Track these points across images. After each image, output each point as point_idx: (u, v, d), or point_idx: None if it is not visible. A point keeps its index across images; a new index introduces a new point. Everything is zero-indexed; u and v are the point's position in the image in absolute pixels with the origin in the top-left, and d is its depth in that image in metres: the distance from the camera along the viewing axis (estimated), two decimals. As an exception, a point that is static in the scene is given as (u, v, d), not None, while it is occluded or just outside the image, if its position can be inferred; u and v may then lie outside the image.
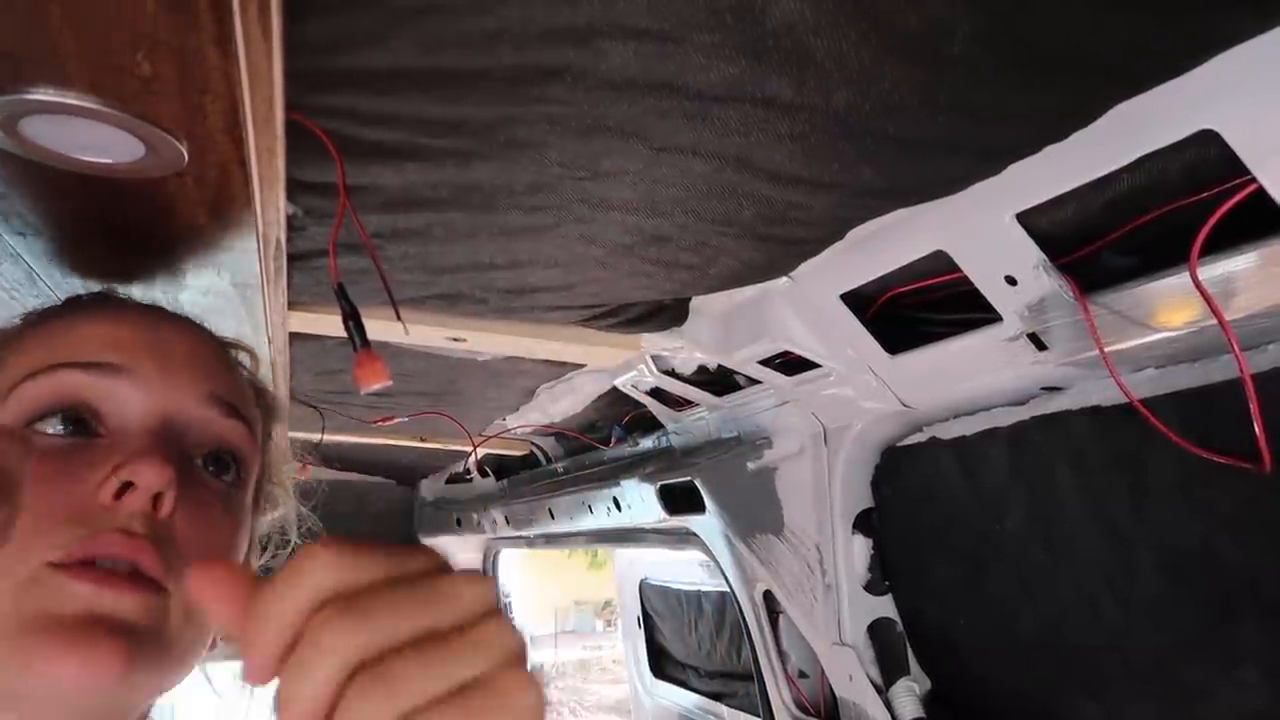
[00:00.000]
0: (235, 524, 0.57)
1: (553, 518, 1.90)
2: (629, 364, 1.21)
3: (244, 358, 0.69)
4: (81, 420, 0.51)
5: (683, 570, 2.21)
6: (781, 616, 1.34)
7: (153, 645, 0.48)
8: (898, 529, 1.11)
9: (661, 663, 2.33)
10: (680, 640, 2.25)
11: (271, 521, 0.71)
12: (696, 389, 1.26)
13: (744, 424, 1.28)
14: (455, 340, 1.04)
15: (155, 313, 0.60)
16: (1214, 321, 0.63)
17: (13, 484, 0.42)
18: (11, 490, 0.42)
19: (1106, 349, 0.71)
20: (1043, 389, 0.87)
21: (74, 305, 0.60)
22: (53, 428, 0.50)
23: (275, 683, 0.29)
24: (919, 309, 0.91)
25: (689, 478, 1.36)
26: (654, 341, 1.09)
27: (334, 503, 2.47)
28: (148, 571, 0.47)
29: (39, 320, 0.58)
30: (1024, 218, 0.70)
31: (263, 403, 0.66)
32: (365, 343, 0.67)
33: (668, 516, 1.47)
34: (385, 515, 2.68)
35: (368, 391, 0.65)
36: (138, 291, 0.66)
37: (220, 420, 0.56)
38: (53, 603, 0.45)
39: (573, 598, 19.01)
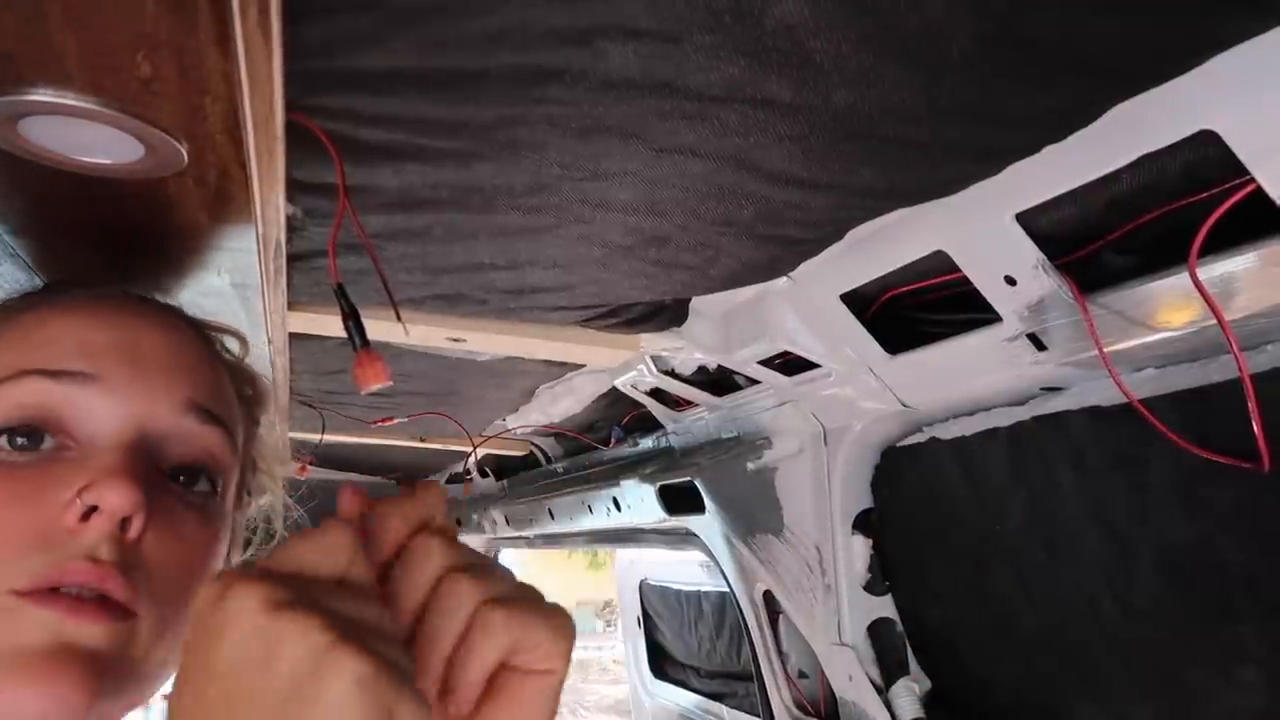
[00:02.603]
0: (210, 535, 0.55)
1: (553, 518, 1.90)
2: (629, 364, 1.21)
3: (232, 343, 0.67)
4: (47, 434, 0.49)
5: (683, 570, 2.21)
6: (781, 616, 1.34)
7: (120, 671, 0.47)
8: (898, 529, 1.11)
9: (661, 663, 2.33)
10: (680, 640, 2.25)
11: (259, 508, 0.69)
12: (696, 389, 1.26)
13: (744, 424, 1.28)
14: (455, 340, 1.04)
15: (133, 307, 0.57)
16: (1214, 321, 0.63)
17: None
18: None
19: (1106, 349, 0.71)
20: (1043, 389, 0.87)
21: (50, 294, 0.58)
22: (17, 441, 0.48)
23: None
24: (918, 309, 0.91)
25: (689, 478, 1.36)
26: (654, 342, 1.09)
27: (333, 503, 2.46)
28: (115, 598, 0.46)
29: (17, 309, 0.55)
30: (1024, 218, 0.70)
31: (249, 391, 0.64)
32: (365, 343, 0.66)
33: (667, 517, 1.47)
34: None
35: (368, 391, 0.65)
36: (137, 291, 0.66)
37: (196, 429, 0.54)
38: (17, 632, 0.44)
39: (573, 598, 19.01)
